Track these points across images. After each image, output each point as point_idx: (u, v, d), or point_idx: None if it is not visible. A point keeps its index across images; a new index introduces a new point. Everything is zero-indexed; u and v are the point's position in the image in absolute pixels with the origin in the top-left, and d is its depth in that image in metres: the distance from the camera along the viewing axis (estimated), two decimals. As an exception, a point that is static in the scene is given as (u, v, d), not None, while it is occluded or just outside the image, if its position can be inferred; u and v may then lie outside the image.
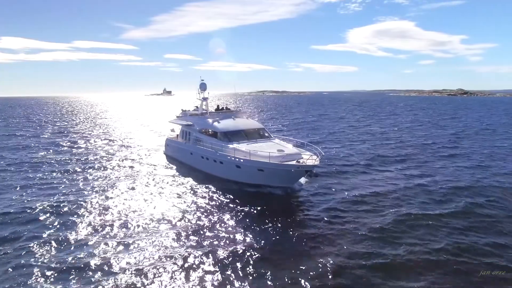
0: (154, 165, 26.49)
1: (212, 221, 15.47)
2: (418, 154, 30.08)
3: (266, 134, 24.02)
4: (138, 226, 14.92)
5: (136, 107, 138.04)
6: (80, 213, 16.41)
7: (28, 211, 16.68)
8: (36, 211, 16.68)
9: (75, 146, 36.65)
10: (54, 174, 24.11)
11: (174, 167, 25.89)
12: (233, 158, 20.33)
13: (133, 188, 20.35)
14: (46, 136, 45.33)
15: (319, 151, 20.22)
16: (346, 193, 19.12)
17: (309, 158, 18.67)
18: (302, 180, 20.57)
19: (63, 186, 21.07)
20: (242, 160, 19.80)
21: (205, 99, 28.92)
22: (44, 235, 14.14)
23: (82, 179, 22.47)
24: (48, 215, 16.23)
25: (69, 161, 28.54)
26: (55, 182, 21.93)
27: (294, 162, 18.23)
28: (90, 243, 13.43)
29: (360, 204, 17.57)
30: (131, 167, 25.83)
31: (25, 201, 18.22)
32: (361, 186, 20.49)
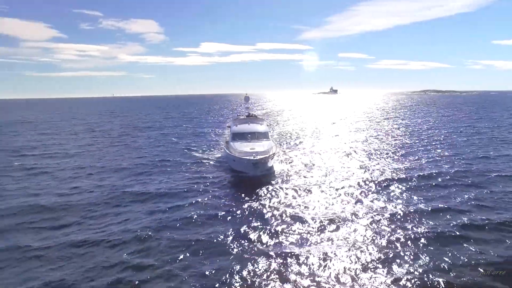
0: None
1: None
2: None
3: (262, 137, 28.27)
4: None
5: (299, 105, 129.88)
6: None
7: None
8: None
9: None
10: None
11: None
12: (230, 154, 25.19)
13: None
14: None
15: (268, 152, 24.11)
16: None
17: (258, 155, 23.19)
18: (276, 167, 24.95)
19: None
20: (232, 154, 24.75)
21: (247, 108, 37.03)
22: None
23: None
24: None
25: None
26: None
27: (251, 157, 22.55)
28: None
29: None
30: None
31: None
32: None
